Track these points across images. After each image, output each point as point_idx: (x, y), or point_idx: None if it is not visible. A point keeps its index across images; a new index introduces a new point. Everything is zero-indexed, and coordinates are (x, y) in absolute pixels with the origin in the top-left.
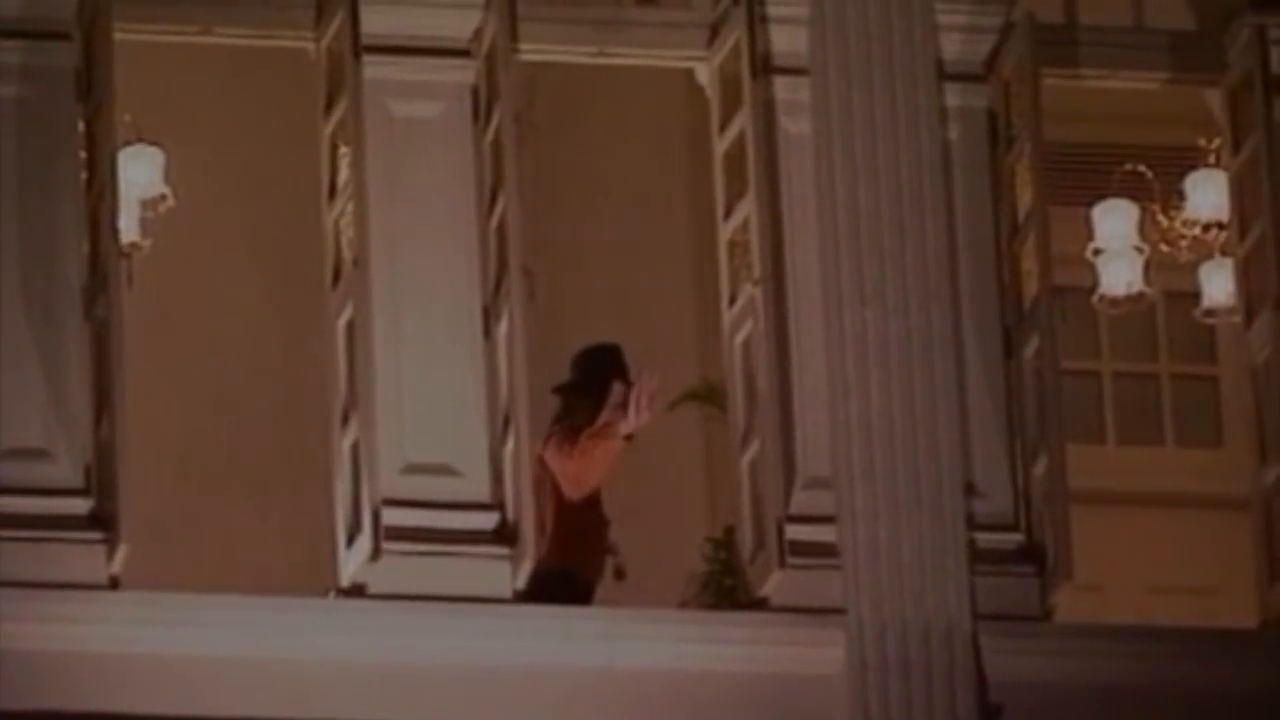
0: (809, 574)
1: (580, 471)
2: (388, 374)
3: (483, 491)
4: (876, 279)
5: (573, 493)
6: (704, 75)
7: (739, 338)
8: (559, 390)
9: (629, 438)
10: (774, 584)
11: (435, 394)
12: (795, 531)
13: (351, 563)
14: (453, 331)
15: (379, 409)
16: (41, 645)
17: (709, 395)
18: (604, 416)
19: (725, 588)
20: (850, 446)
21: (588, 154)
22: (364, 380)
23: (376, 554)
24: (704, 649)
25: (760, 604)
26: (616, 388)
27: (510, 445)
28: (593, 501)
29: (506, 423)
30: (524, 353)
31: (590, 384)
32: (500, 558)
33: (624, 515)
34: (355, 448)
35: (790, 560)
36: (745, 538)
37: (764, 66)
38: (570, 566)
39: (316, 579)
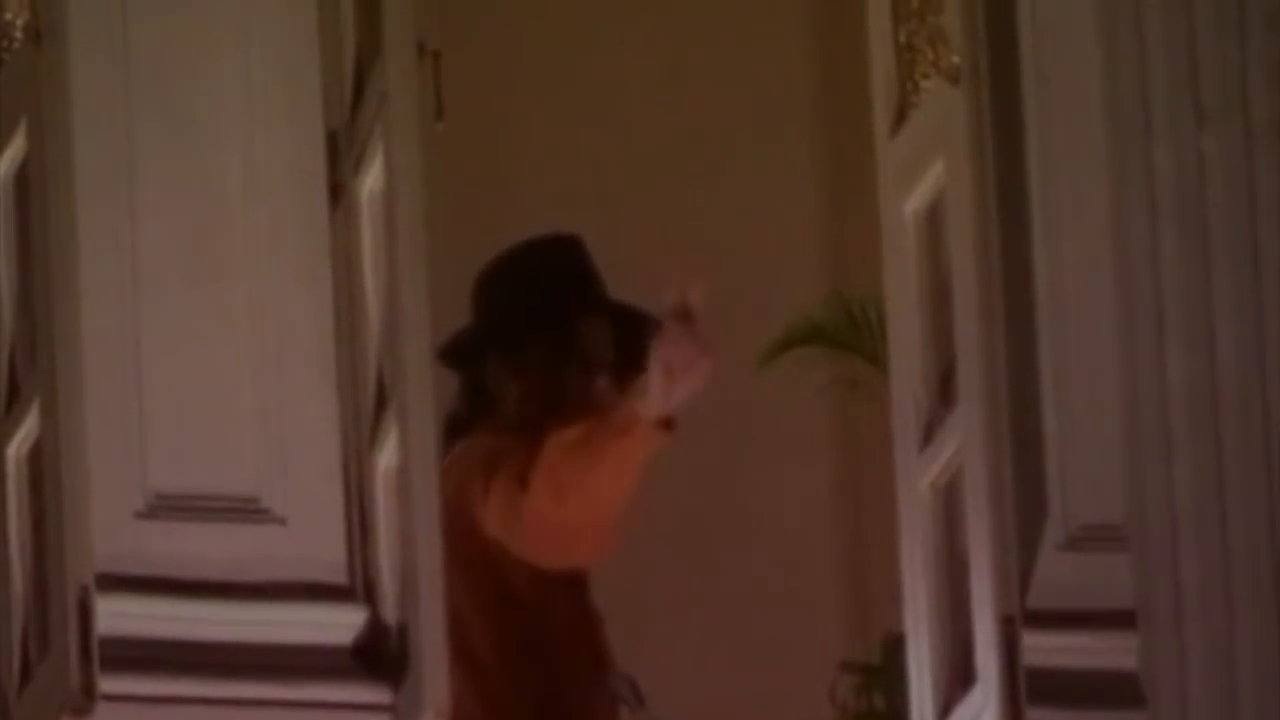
0: None
1: (544, 523)
2: (101, 282)
3: (328, 556)
4: (1228, 66)
5: (539, 558)
6: None
7: (910, 203)
8: (448, 354)
9: (669, 425)
10: None
11: (215, 338)
12: (1044, 645)
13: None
14: (258, 188)
15: (94, 371)
16: None
17: (844, 333)
18: (597, 391)
19: None
20: (1170, 452)
21: None
22: (55, 299)
23: (86, 700)
24: None
25: None
26: (589, 331)
27: (388, 454)
28: (572, 585)
29: (381, 402)
30: (423, 242)
31: (527, 323)
32: (370, 709)
33: (655, 613)
34: (33, 460)
35: (1035, 718)
36: (922, 660)
37: None
38: None
39: None
